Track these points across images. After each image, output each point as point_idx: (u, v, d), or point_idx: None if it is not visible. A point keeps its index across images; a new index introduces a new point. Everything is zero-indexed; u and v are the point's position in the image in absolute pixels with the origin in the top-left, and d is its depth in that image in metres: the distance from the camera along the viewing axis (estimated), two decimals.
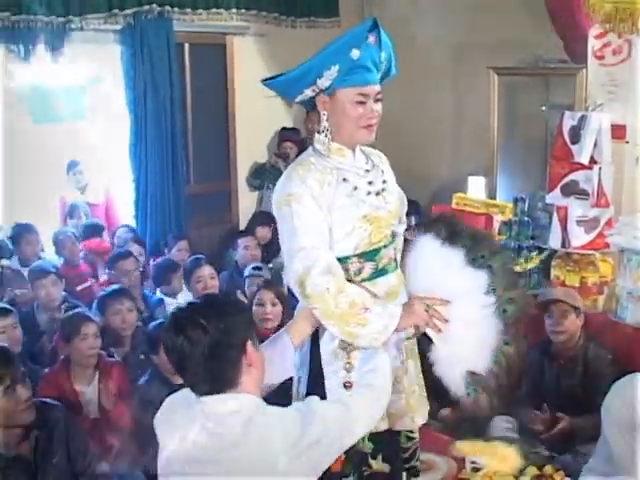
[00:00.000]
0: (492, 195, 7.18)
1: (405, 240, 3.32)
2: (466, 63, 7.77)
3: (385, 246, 3.15)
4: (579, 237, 5.32)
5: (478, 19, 7.54)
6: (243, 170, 8.32)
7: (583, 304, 4.94)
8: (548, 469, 4.20)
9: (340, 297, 2.90)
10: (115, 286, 5.61)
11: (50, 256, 6.67)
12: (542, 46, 6.99)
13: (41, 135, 7.21)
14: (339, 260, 3.00)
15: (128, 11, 6.98)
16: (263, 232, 7.30)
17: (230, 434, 2.43)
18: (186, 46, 7.76)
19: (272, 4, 8.11)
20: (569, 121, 5.33)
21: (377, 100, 3.05)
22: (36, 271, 5.76)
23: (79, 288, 6.33)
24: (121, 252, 6.33)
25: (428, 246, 3.11)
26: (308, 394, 3.07)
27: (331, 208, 3.01)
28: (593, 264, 5.31)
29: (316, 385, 3.11)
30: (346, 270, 3.03)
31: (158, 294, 6.15)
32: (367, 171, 3.14)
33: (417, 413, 3.28)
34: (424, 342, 3.17)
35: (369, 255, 3.10)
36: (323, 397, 2.97)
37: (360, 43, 2.92)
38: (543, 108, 7.38)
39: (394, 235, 3.23)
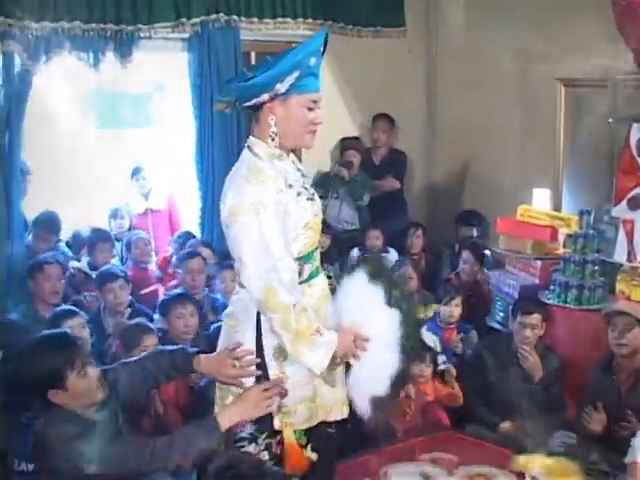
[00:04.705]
0: (557, 207, 7.11)
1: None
2: (533, 74, 7.71)
3: (316, 249, 3.34)
4: None
5: (545, 30, 7.48)
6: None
7: None
8: None
9: (302, 315, 3.07)
10: (178, 290, 5.67)
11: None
12: (610, 57, 6.91)
13: (106, 140, 7.29)
14: None
15: (195, 20, 7.06)
16: (322, 239, 7.29)
17: None
18: (252, 55, 7.82)
19: (338, 13, 8.11)
20: (636, 133, 5.29)
21: (319, 107, 3.24)
22: (105, 274, 5.79)
23: (143, 292, 6.38)
24: (190, 252, 6.34)
25: (356, 283, 3.33)
26: None
27: (286, 213, 3.14)
28: None
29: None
30: None
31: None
32: (302, 176, 3.34)
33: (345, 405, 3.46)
34: None
35: (307, 258, 3.25)
36: None
37: (317, 52, 3.10)
38: (610, 120, 7.29)
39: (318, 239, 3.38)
